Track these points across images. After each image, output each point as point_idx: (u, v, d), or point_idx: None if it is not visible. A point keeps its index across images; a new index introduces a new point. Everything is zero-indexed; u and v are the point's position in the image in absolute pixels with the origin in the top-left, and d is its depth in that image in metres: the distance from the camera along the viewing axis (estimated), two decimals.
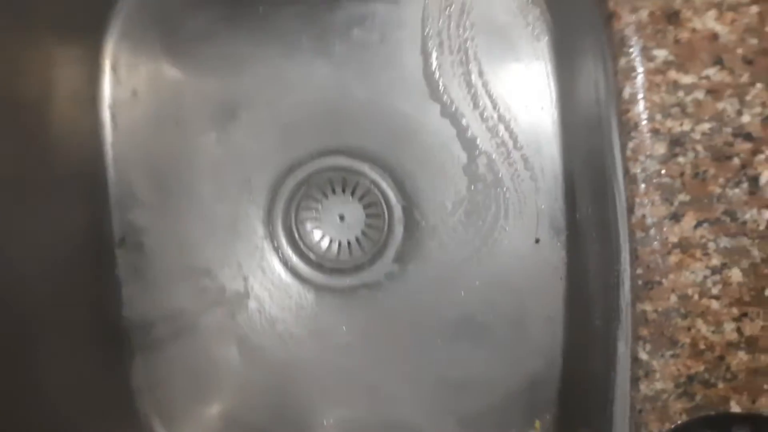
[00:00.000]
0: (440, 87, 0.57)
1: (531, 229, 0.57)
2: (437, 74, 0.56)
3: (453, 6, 0.54)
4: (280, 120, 0.60)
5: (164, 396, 0.63)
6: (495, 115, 0.56)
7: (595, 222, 0.49)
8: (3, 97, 0.50)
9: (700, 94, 0.34)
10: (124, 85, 0.60)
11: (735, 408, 0.36)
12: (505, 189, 0.57)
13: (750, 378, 0.36)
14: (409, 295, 0.60)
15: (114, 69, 0.59)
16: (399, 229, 0.61)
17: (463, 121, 0.57)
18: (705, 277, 0.36)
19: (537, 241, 0.57)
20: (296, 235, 0.62)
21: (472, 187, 0.58)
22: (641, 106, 0.35)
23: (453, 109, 0.57)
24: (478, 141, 0.57)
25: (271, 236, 0.62)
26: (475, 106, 0.56)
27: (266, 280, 0.62)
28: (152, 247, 0.62)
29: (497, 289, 0.58)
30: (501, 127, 0.56)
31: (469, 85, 0.56)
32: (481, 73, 0.55)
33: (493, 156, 0.57)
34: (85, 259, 0.61)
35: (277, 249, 0.62)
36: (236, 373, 0.63)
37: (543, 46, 0.53)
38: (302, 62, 0.58)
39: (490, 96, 0.56)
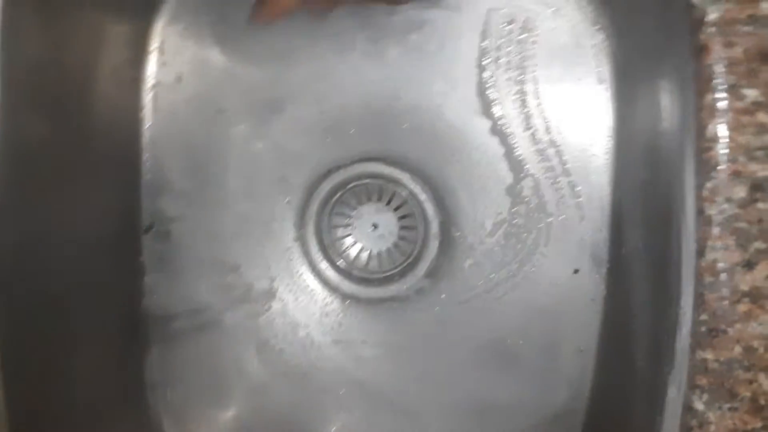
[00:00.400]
0: (493, 103, 0.55)
1: (571, 259, 0.55)
2: (491, 90, 0.55)
3: (515, 22, 0.53)
4: (324, 119, 0.58)
5: (176, 393, 0.61)
6: (546, 138, 0.54)
7: (645, 259, 0.47)
8: (48, 74, 0.49)
9: None
10: (169, 68, 0.58)
11: None
12: (548, 214, 0.55)
13: None
14: (438, 313, 0.59)
15: (161, 51, 0.58)
16: (434, 244, 0.59)
17: (513, 141, 0.55)
18: None
19: (576, 271, 0.55)
20: (327, 241, 0.61)
21: (515, 209, 0.56)
22: (725, 146, 0.34)
23: (503, 127, 0.55)
24: (526, 163, 0.55)
25: (302, 239, 0.61)
26: (527, 126, 0.55)
27: (293, 284, 0.60)
28: (180, 236, 0.60)
29: (530, 315, 0.57)
30: (551, 151, 0.54)
31: (523, 104, 0.54)
32: (536, 94, 0.54)
33: (540, 180, 0.55)
34: (111, 243, 0.60)
35: (306, 253, 0.61)
36: (253, 376, 0.61)
37: (604, 72, 0.52)
38: (354, 63, 0.57)
39: (543, 118, 0.54)
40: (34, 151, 0.47)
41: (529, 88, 0.54)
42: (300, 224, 0.60)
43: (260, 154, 0.60)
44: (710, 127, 0.34)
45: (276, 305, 0.61)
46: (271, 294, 0.61)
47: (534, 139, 0.55)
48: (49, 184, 0.48)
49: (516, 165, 0.56)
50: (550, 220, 0.55)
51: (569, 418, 0.56)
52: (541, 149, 0.55)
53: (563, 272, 0.56)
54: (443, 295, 0.59)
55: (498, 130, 0.55)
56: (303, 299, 0.61)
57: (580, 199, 0.54)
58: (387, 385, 0.60)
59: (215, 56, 0.58)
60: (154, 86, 0.59)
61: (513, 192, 0.56)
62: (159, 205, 0.60)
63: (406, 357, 0.59)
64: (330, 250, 0.61)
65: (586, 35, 0.52)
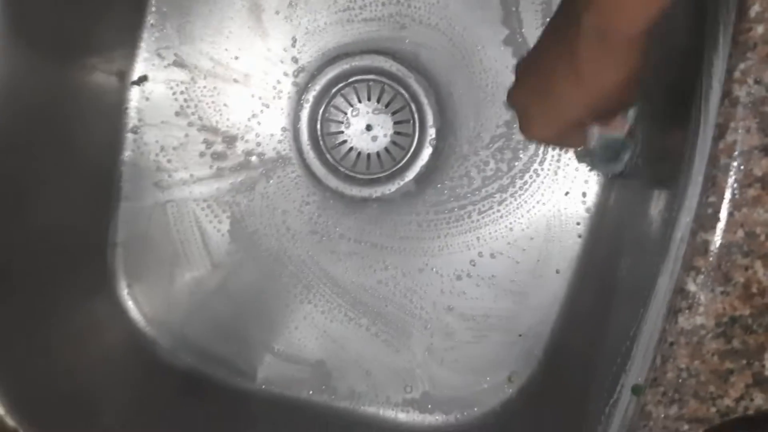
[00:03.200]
0: (514, 11, 0.55)
1: (565, 180, 0.55)
2: None
3: None
4: (339, 3, 0.57)
5: (136, 255, 0.59)
6: None
7: (643, 172, 0.48)
8: None
9: None
10: None
11: (767, 361, 0.35)
12: None
13: None
14: (420, 218, 0.58)
15: None
16: (427, 151, 0.59)
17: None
18: None
19: (566, 193, 0.55)
20: (319, 132, 0.60)
21: (516, 123, 0.56)
22: (765, 27, 0.34)
23: (520, 38, 0.55)
24: None
25: (294, 124, 0.59)
26: None
27: (278, 168, 0.59)
28: (171, 96, 0.58)
29: (512, 233, 0.57)
30: None
31: (545, 15, 0.54)
32: None
33: None
34: (97, 94, 0.57)
35: (296, 139, 0.59)
36: (220, 252, 0.59)
37: None
38: None
39: None
40: None
41: (555, 0, 0.54)
42: (296, 109, 0.59)
43: (270, 25, 0.58)
44: (755, 7, 0.34)
45: (258, 186, 0.59)
46: (255, 173, 0.59)
47: None
48: None
49: None
50: None
51: (533, 339, 0.56)
52: None
53: (554, 193, 0.56)
54: (428, 202, 0.58)
55: (514, 40, 0.55)
56: (286, 185, 0.59)
57: None
58: (357, 283, 0.59)
59: None
60: None
61: None
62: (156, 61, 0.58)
63: (381, 257, 0.59)
64: (320, 142, 0.60)
65: None
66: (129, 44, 0.58)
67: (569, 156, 0.55)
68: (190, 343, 0.60)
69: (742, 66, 0.34)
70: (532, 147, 0.56)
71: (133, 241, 0.59)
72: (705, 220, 0.35)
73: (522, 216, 0.56)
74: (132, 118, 0.59)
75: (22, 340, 0.50)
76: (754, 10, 0.34)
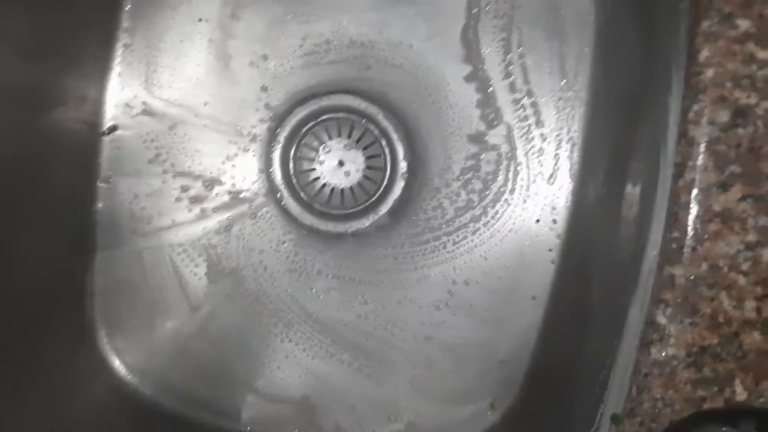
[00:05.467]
0: (475, 49, 0.56)
1: (535, 208, 0.57)
2: (476, 36, 0.56)
3: None
4: (305, 47, 0.58)
5: (115, 303, 0.59)
6: (525, 89, 0.56)
7: (609, 202, 0.49)
8: None
9: None
10: None
11: (738, 387, 0.37)
12: (517, 163, 0.57)
13: (759, 359, 0.37)
14: (396, 251, 0.59)
15: None
16: (400, 184, 0.60)
17: (490, 88, 0.57)
18: (738, 252, 0.36)
19: (537, 221, 0.57)
20: (292, 171, 0.60)
21: (484, 155, 0.57)
22: (715, 71, 0.36)
23: (483, 73, 0.57)
24: (501, 111, 0.57)
25: (267, 164, 0.60)
26: (507, 75, 0.56)
27: (253, 208, 0.59)
28: (138, 142, 0.59)
29: (487, 261, 0.58)
30: (527, 102, 0.56)
31: (506, 52, 0.56)
32: (520, 44, 0.56)
33: (513, 129, 0.57)
34: (68, 145, 0.57)
35: (270, 179, 0.60)
36: (198, 295, 0.60)
37: (588, 27, 0.54)
38: None
39: (524, 68, 0.56)
40: None
41: (514, 37, 0.55)
42: (268, 150, 0.60)
43: (238, 71, 0.59)
44: (704, 52, 0.36)
45: (234, 228, 0.60)
46: (230, 215, 0.59)
47: (511, 88, 0.56)
48: None
49: (491, 112, 0.57)
50: (518, 169, 0.57)
51: (513, 365, 0.58)
52: (517, 99, 0.56)
53: (525, 221, 0.57)
54: (403, 235, 0.59)
55: (477, 76, 0.57)
56: (262, 225, 0.60)
57: (550, 151, 0.56)
58: (336, 319, 0.59)
59: None
60: None
61: (484, 139, 0.57)
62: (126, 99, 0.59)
63: (360, 292, 0.59)
64: (294, 180, 0.60)
65: None
66: (97, 94, 0.58)
67: (537, 184, 0.57)
68: (172, 389, 0.60)
69: (695, 107, 0.36)
70: (501, 177, 0.57)
71: (110, 290, 0.59)
72: (670, 255, 0.37)
73: (495, 245, 0.58)
74: (104, 168, 0.59)
75: (2, 396, 0.50)
76: (703, 54, 0.36)
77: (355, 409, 0.59)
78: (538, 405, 0.55)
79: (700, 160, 0.36)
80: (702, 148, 0.36)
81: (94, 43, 0.58)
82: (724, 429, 0.36)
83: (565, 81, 0.55)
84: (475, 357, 0.58)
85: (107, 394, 0.59)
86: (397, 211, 0.60)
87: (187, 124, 0.59)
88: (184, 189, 0.59)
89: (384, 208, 0.60)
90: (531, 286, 0.57)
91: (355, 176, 0.61)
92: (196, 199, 0.59)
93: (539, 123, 0.56)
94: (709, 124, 0.36)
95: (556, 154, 0.56)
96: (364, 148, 0.61)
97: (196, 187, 0.59)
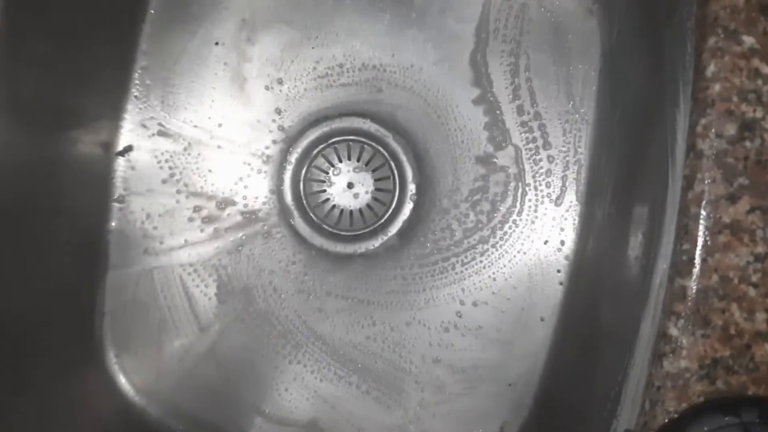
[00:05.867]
0: (484, 73, 0.58)
1: (543, 229, 0.57)
2: (485, 59, 0.57)
3: None
4: (317, 70, 0.59)
5: (124, 324, 0.59)
6: (532, 111, 0.57)
7: (618, 221, 0.50)
8: None
9: None
10: None
11: None
12: (525, 185, 0.57)
13: None
14: (405, 272, 0.59)
15: None
16: (409, 206, 0.60)
17: (498, 111, 0.58)
18: (748, 263, 0.37)
19: (546, 242, 0.57)
20: (302, 193, 0.61)
21: (492, 177, 0.58)
22: (721, 86, 0.36)
23: (491, 96, 0.58)
24: (509, 133, 0.58)
25: (278, 185, 0.61)
26: (515, 98, 0.57)
27: (264, 228, 0.60)
28: (152, 163, 0.60)
29: (496, 282, 0.58)
30: (535, 125, 0.57)
31: (513, 75, 0.57)
32: (527, 68, 0.57)
33: (521, 151, 0.57)
34: (82, 164, 0.58)
35: (281, 201, 0.61)
36: (207, 315, 0.60)
37: (594, 50, 0.55)
38: (355, 16, 0.58)
39: (531, 91, 0.57)
40: None
41: (522, 61, 0.57)
42: (279, 171, 0.61)
43: (252, 93, 0.60)
44: (710, 67, 0.37)
45: (244, 248, 0.60)
46: (241, 236, 0.60)
47: (519, 111, 0.57)
48: None
49: (499, 134, 0.58)
50: (527, 191, 0.57)
51: (523, 388, 0.57)
52: (525, 121, 0.57)
53: (533, 242, 0.57)
54: (411, 256, 0.60)
55: (485, 99, 0.58)
56: (272, 246, 0.60)
57: (558, 173, 0.57)
58: (345, 340, 0.59)
59: None
60: None
61: (493, 161, 0.58)
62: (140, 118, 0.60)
63: (368, 313, 0.59)
64: (304, 202, 0.61)
65: (580, 19, 0.56)
66: (113, 115, 0.59)
67: (545, 206, 0.57)
68: (180, 411, 0.59)
69: (703, 121, 0.37)
70: (509, 199, 0.58)
71: (120, 310, 0.59)
72: (681, 267, 0.37)
73: (504, 266, 0.58)
74: (118, 188, 0.60)
75: (10, 415, 0.50)
76: (710, 70, 0.37)
77: None
78: (549, 427, 0.55)
79: (709, 172, 0.37)
80: (710, 160, 0.37)
81: (112, 65, 0.59)
82: (726, 419, 0.35)
83: (572, 103, 0.56)
84: (485, 379, 0.58)
85: (114, 415, 0.59)
86: (405, 233, 0.60)
87: (201, 145, 0.60)
88: (197, 209, 0.60)
89: (393, 230, 0.60)
90: (540, 308, 0.57)
91: (365, 198, 0.61)
92: (208, 219, 0.60)
93: (547, 145, 0.57)
94: (716, 137, 0.37)
95: (564, 176, 0.56)
96: (374, 170, 0.61)
97: (209, 208, 0.60)
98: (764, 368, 0.37)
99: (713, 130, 0.37)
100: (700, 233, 0.37)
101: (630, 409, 0.39)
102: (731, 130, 0.37)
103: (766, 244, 0.36)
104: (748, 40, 0.36)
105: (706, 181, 0.37)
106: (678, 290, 0.37)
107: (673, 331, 0.37)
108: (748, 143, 0.36)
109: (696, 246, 0.37)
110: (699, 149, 0.37)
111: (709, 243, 0.37)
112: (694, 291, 0.37)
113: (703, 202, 0.37)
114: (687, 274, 0.37)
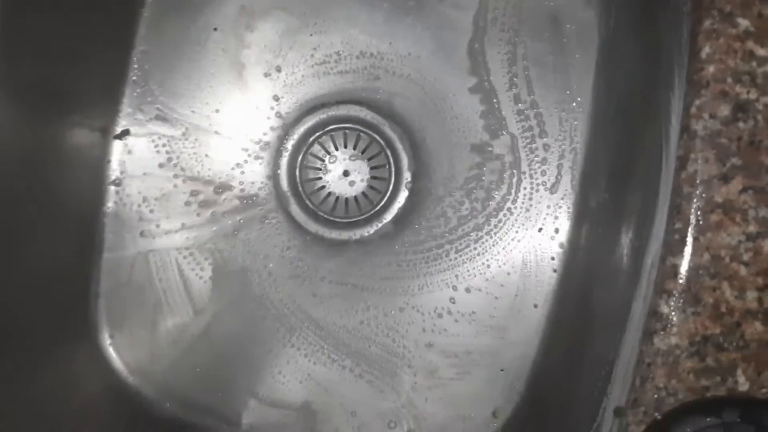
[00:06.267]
0: (481, 61, 0.58)
1: (537, 217, 0.58)
2: (482, 48, 0.58)
3: None
4: (315, 58, 0.60)
5: (121, 305, 0.60)
6: (528, 100, 0.58)
7: (612, 207, 0.50)
8: None
9: None
10: None
11: (740, 377, 0.37)
12: (520, 173, 0.58)
13: (760, 349, 0.37)
14: (401, 259, 0.60)
15: None
16: (404, 193, 0.61)
17: (495, 100, 0.58)
18: (739, 242, 0.37)
19: (540, 230, 0.58)
20: (298, 180, 0.61)
21: (488, 165, 0.59)
22: (716, 67, 0.37)
23: (488, 85, 0.58)
24: (505, 121, 0.58)
25: (274, 171, 0.61)
26: (511, 86, 0.58)
27: (260, 213, 0.60)
28: (150, 148, 0.60)
29: (489, 269, 0.59)
30: (531, 113, 0.58)
31: (511, 64, 0.58)
32: (525, 57, 0.57)
33: (517, 139, 0.58)
34: (79, 147, 0.59)
35: (277, 186, 0.61)
36: (202, 298, 0.60)
37: (591, 39, 0.56)
38: (353, 4, 0.59)
39: (528, 80, 0.57)
40: None
41: (519, 50, 0.57)
42: (276, 157, 0.61)
43: (250, 79, 0.60)
44: (706, 49, 0.37)
45: (240, 233, 0.60)
46: (237, 220, 0.60)
47: (515, 99, 0.58)
48: None
49: (495, 123, 0.58)
50: (522, 179, 0.58)
51: (515, 374, 0.58)
52: (521, 110, 0.58)
53: (527, 230, 0.58)
54: (406, 243, 0.60)
55: (482, 87, 0.58)
56: (268, 231, 0.61)
57: (553, 161, 0.58)
58: (339, 324, 0.60)
59: None
60: None
61: (488, 149, 0.59)
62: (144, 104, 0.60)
63: (362, 298, 0.60)
64: (300, 188, 0.61)
65: (578, 9, 0.56)
66: (112, 100, 0.59)
67: (540, 194, 0.58)
68: (173, 392, 0.59)
69: (697, 102, 0.38)
70: (504, 186, 0.58)
71: (115, 291, 0.59)
72: (673, 246, 0.38)
73: (498, 253, 0.58)
74: (114, 171, 0.60)
75: (3, 392, 0.50)
76: (705, 51, 0.37)
77: (355, 416, 0.59)
78: (541, 413, 0.55)
79: (702, 152, 0.37)
80: (704, 141, 0.37)
81: (110, 49, 0.59)
82: (708, 419, 0.36)
83: (568, 92, 0.56)
84: (477, 365, 0.58)
85: (107, 395, 0.59)
86: (400, 220, 0.60)
87: (199, 130, 0.60)
88: (194, 193, 0.60)
89: (388, 217, 0.61)
90: (533, 294, 0.57)
91: (360, 186, 0.62)
92: (205, 204, 0.60)
93: (542, 133, 0.57)
94: (710, 118, 0.37)
95: (559, 164, 0.57)
96: (370, 158, 0.62)
97: (206, 192, 0.60)
98: (754, 346, 0.37)
99: (707, 111, 0.37)
100: (693, 212, 0.37)
101: (620, 387, 0.40)
102: (725, 111, 0.37)
103: (758, 224, 0.37)
104: (743, 23, 0.37)
105: (700, 161, 0.38)
106: (670, 269, 0.38)
107: (664, 309, 0.38)
108: (741, 124, 0.37)
109: (688, 225, 0.38)
110: (693, 130, 0.38)
111: (701, 222, 0.37)
112: (685, 269, 0.38)
113: (696, 182, 0.38)
114: (679, 253, 0.38)
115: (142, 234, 0.60)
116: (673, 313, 0.38)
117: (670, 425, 0.37)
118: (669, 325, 0.38)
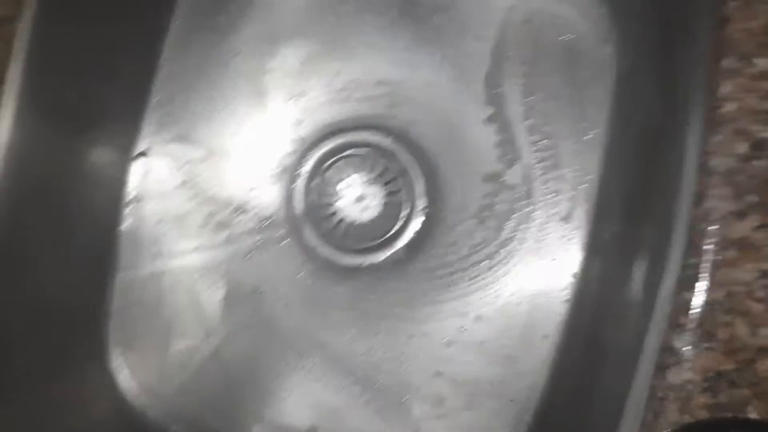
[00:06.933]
0: (498, 92, 0.59)
1: (549, 248, 0.58)
2: (499, 79, 0.59)
3: (534, 20, 0.58)
4: (335, 84, 0.61)
5: (132, 324, 0.60)
6: (543, 131, 0.58)
7: (626, 239, 0.51)
8: None
9: None
10: None
11: (752, 413, 0.37)
12: (533, 204, 0.58)
13: None
14: (412, 286, 0.60)
15: None
16: (418, 220, 0.61)
17: (510, 130, 0.59)
18: (755, 279, 0.37)
19: (552, 260, 0.58)
20: (312, 204, 0.62)
21: (501, 194, 0.59)
22: (734, 105, 0.38)
23: (504, 116, 0.59)
24: (520, 152, 0.59)
25: (289, 195, 0.61)
26: (527, 117, 0.58)
27: (274, 236, 0.61)
28: (172, 162, 0.61)
29: (500, 299, 0.59)
30: (546, 144, 0.58)
31: (527, 95, 0.58)
32: (541, 89, 0.58)
33: (531, 170, 0.58)
34: (97, 165, 0.59)
35: (290, 208, 0.61)
36: (212, 321, 0.60)
37: (608, 74, 0.56)
38: (375, 32, 0.60)
39: (544, 113, 0.58)
40: None
41: (536, 82, 0.58)
42: (292, 181, 0.62)
43: (270, 103, 0.61)
44: (723, 87, 0.38)
45: (254, 255, 0.61)
46: (250, 243, 0.61)
47: (530, 130, 0.58)
48: None
49: (509, 153, 0.59)
50: (534, 209, 0.58)
51: (523, 405, 0.58)
52: (536, 141, 0.58)
53: (539, 260, 0.58)
54: (418, 270, 0.60)
55: (498, 118, 0.59)
56: (281, 254, 0.61)
57: (566, 193, 0.58)
58: (348, 351, 0.60)
59: None
60: None
61: (502, 178, 0.59)
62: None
63: (372, 324, 0.60)
64: (314, 212, 0.62)
65: (596, 45, 0.57)
66: (134, 119, 0.60)
67: (553, 225, 0.58)
68: (180, 414, 0.60)
69: (714, 140, 0.38)
70: (517, 216, 0.59)
71: (127, 310, 0.60)
72: (687, 281, 0.38)
73: (509, 282, 0.58)
74: (132, 191, 0.61)
75: (11, 408, 0.50)
76: (723, 90, 0.38)
77: None
78: None
79: (719, 189, 0.38)
80: (720, 178, 0.38)
81: (134, 69, 0.60)
82: None
83: (584, 125, 0.57)
84: (485, 395, 0.58)
85: (114, 414, 0.59)
86: (412, 247, 0.61)
87: (218, 152, 0.61)
88: (210, 215, 0.61)
89: (400, 243, 0.61)
90: (543, 325, 0.57)
91: (374, 211, 0.62)
92: (220, 225, 0.61)
93: (556, 165, 0.58)
94: (727, 155, 0.38)
95: (573, 196, 0.57)
96: (384, 185, 0.62)
97: (222, 214, 0.61)
98: (767, 383, 0.37)
99: (724, 149, 0.38)
100: (708, 248, 0.38)
101: (632, 422, 0.40)
102: (742, 148, 0.38)
103: None
104: (761, 63, 0.38)
105: (716, 198, 0.38)
106: (683, 304, 0.38)
107: (678, 344, 0.38)
108: (757, 162, 0.38)
109: (703, 261, 0.38)
110: (709, 166, 0.38)
111: (716, 258, 0.38)
112: (699, 304, 0.38)
113: (712, 218, 0.38)
114: (693, 288, 0.38)
115: (156, 254, 0.60)
116: (686, 348, 0.38)
117: None
118: (682, 360, 0.38)
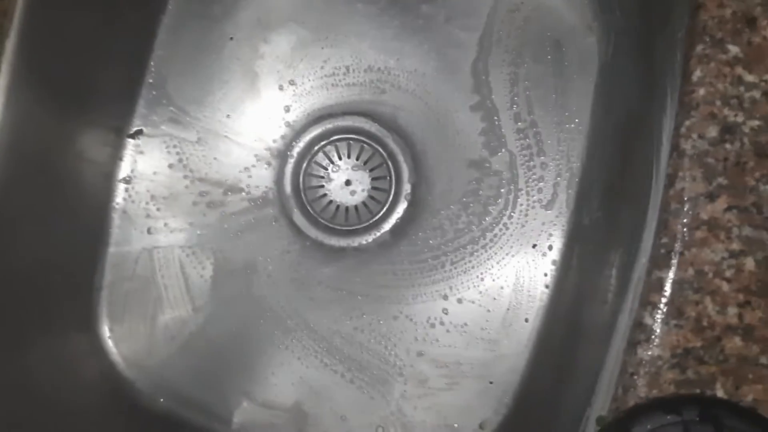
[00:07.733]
0: (484, 80, 0.60)
1: (532, 233, 0.59)
2: (486, 68, 0.60)
3: (521, 9, 0.59)
4: (325, 71, 0.62)
5: (122, 299, 0.61)
6: (529, 119, 0.59)
7: (604, 226, 0.52)
8: None
9: (757, 94, 0.39)
10: None
11: (719, 390, 0.39)
12: (517, 189, 0.60)
13: (739, 364, 0.38)
14: (397, 269, 0.61)
15: None
16: (403, 205, 0.62)
17: (495, 118, 0.60)
18: (723, 259, 0.39)
19: (534, 246, 0.59)
20: (301, 186, 0.63)
21: (486, 180, 0.60)
22: (706, 90, 0.39)
23: (489, 103, 0.60)
24: (505, 139, 0.60)
25: (279, 177, 0.63)
26: (512, 106, 0.60)
27: (263, 216, 0.62)
28: (166, 142, 0.62)
29: (483, 282, 0.60)
30: (530, 132, 0.59)
31: (513, 84, 0.59)
32: (526, 77, 0.59)
33: (515, 157, 0.60)
34: (92, 144, 0.60)
35: (280, 192, 0.63)
36: (200, 295, 0.61)
37: (591, 63, 0.58)
38: (365, 20, 0.61)
39: (529, 100, 0.59)
40: None
41: (521, 71, 0.59)
42: (282, 164, 0.63)
43: (262, 88, 0.62)
44: (697, 72, 0.39)
45: (243, 234, 0.62)
46: (240, 222, 0.62)
47: (515, 117, 0.60)
48: None
49: (495, 140, 0.60)
50: (518, 195, 0.60)
51: (503, 387, 0.59)
52: (521, 128, 0.60)
53: (522, 245, 0.59)
54: (403, 252, 0.61)
55: (484, 105, 0.60)
56: (269, 234, 0.62)
57: (549, 179, 0.59)
58: (333, 329, 0.61)
59: None
60: None
61: (487, 164, 0.60)
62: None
63: (357, 305, 0.61)
64: (303, 195, 0.63)
65: (580, 35, 0.58)
66: (128, 100, 0.61)
67: (536, 211, 0.59)
68: (168, 387, 0.61)
69: (687, 123, 0.39)
70: (501, 202, 0.60)
71: (118, 285, 0.61)
72: (659, 260, 0.39)
73: (492, 267, 0.60)
74: (125, 169, 0.62)
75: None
76: (696, 75, 0.39)
77: (345, 420, 0.60)
78: (527, 426, 0.56)
79: (690, 171, 0.39)
80: (692, 160, 0.39)
81: (131, 51, 0.61)
82: (668, 417, 0.37)
83: (567, 113, 0.58)
84: (467, 376, 0.59)
85: (102, 384, 0.60)
86: (398, 230, 0.62)
87: (210, 134, 0.62)
88: (202, 194, 0.62)
89: (386, 227, 0.62)
90: (525, 309, 0.59)
91: (361, 195, 0.63)
92: (212, 205, 0.62)
93: (540, 152, 0.59)
94: (699, 139, 0.39)
95: (555, 182, 0.59)
96: (371, 170, 0.64)
97: (214, 193, 0.62)
98: (733, 360, 0.38)
99: (696, 132, 0.39)
100: (679, 228, 0.39)
101: (604, 397, 0.41)
102: (713, 132, 0.39)
103: (741, 242, 0.39)
104: (733, 49, 0.39)
105: (687, 180, 0.39)
106: (655, 281, 0.39)
107: (648, 321, 0.39)
108: (728, 145, 0.39)
109: (674, 240, 0.39)
110: (682, 149, 0.39)
111: (686, 238, 0.39)
112: (670, 283, 0.39)
113: (684, 199, 0.39)
114: (664, 267, 0.39)
115: (148, 231, 0.61)
116: (656, 325, 0.39)
117: (632, 422, 0.38)
118: (652, 337, 0.39)
